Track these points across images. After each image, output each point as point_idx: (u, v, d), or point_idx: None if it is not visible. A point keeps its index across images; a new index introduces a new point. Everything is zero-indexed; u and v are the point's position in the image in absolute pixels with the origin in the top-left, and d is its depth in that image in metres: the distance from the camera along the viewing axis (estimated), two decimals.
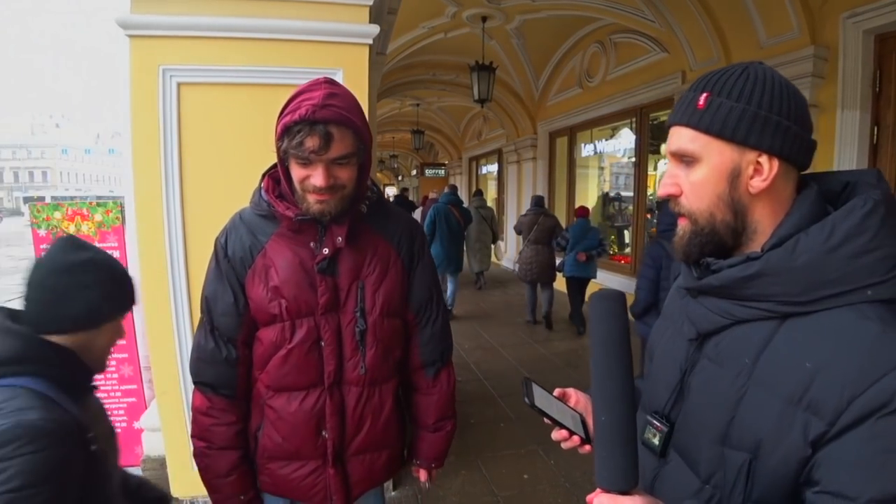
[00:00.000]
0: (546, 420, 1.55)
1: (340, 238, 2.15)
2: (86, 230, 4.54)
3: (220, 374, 2.24)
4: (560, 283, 10.51)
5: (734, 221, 1.30)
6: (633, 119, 11.26)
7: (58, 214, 4.51)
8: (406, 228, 2.39)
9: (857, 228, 1.15)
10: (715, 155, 1.28)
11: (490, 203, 20.78)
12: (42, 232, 4.51)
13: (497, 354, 9.07)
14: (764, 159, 1.25)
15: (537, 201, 11.14)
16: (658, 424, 1.45)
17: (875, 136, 6.28)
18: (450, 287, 11.84)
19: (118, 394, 4.83)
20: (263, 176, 2.26)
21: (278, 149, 2.01)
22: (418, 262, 2.41)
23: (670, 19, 8.35)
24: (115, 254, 4.56)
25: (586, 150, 14.13)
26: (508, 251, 18.32)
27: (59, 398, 1.68)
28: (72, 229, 4.51)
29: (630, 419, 1.14)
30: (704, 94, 1.29)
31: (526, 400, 1.49)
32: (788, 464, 1.13)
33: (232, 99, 3.82)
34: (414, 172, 35.23)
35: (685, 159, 1.33)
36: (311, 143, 1.91)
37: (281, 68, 3.83)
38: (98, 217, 4.53)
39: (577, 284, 10.12)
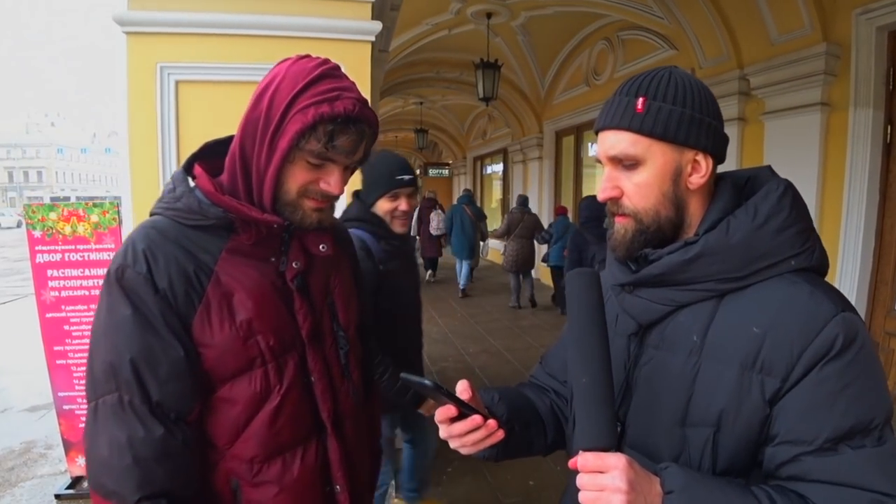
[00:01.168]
0: (449, 404, 1.40)
1: (325, 245, 1.84)
2: (82, 231, 4.53)
3: (178, 468, 1.57)
4: (546, 273, 11.96)
5: (675, 216, 1.42)
6: None
7: (53, 215, 4.49)
8: (349, 235, 2.25)
9: (776, 208, 1.33)
10: (658, 156, 1.38)
11: (494, 204, 20.93)
12: (37, 233, 4.51)
13: (502, 358, 9.04)
14: (700, 157, 1.40)
15: (523, 201, 12.91)
16: None
17: (889, 135, 6.26)
18: (465, 269, 14.42)
19: None
20: (188, 170, 1.75)
21: (287, 144, 1.57)
22: (360, 271, 2.24)
23: (679, 16, 8.36)
24: (112, 256, 4.57)
25: (593, 149, 13.91)
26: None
27: (371, 242, 3.13)
28: (67, 230, 4.51)
29: (609, 380, 1.21)
30: (642, 98, 1.39)
31: (428, 382, 1.35)
32: (751, 427, 1.26)
33: (231, 97, 3.78)
34: (417, 172, 35.19)
35: (626, 163, 1.40)
36: (346, 143, 1.62)
37: None
38: (94, 218, 4.52)
39: (562, 272, 11.67)
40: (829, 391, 1.19)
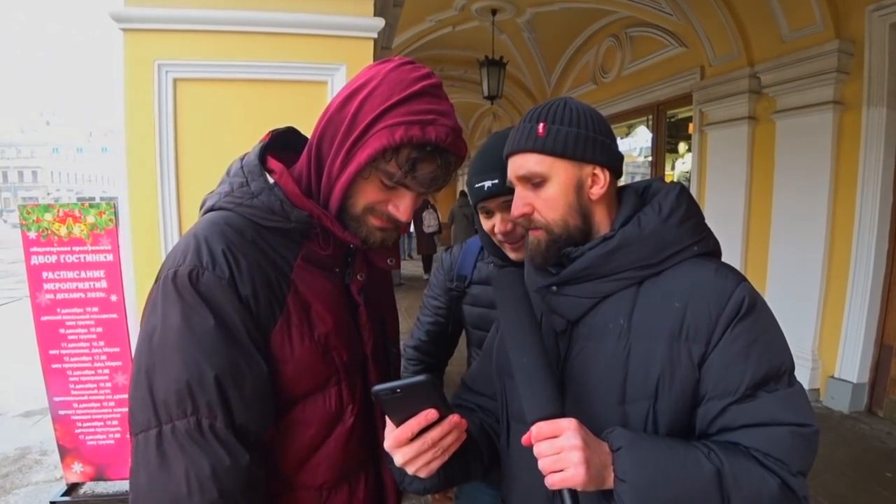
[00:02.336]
0: (429, 408, 1.35)
1: (392, 259, 1.76)
2: (77, 232, 4.53)
3: (260, 501, 1.44)
4: None
5: (583, 224, 1.61)
6: (650, 116, 11.20)
7: (48, 216, 4.50)
8: None
9: (676, 204, 1.57)
10: (561, 172, 1.58)
11: None
12: (32, 234, 4.51)
13: None
14: (598, 171, 1.60)
15: None
16: None
17: None
18: None
19: (112, 403, 4.83)
20: (262, 158, 1.59)
21: (365, 159, 1.45)
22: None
23: (688, 13, 8.36)
24: (108, 257, 4.60)
25: None
26: None
27: (465, 256, 2.67)
28: (63, 231, 4.51)
29: (546, 356, 1.42)
30: (542, 124, 1.59)
31: (424, 378, 1.30)
32: (685, 392, 1.44)
33: (230, 95, 3.85)
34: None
35: (534, 181, 1.61)
36: (428, 174, 1.51)
37: (282, 63, 3.85)
38: (90, 219, 4.53)
39: None
40: (743, 345, 1.41)
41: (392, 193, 1.54)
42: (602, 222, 1.64)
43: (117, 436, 4.89)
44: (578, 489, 1.28)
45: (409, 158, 1.46)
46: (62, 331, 4.67)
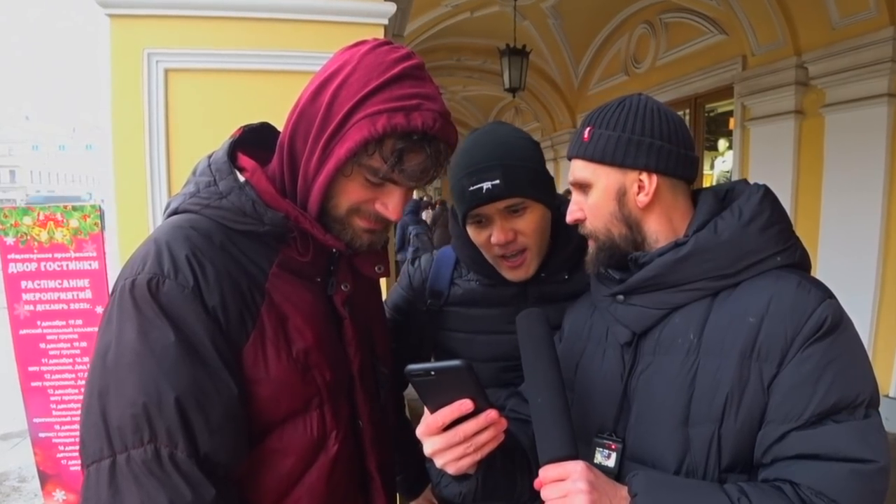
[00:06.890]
0: (464, 398, 1.36)
1: (381, 266, 1.71)
2: (60, 238, 4.51)
3: None
4: None
5: (630, 233, 1.67)
6: (687, 110, 11.10)
7: (27, 220, 4.47)
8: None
9: (759, 208, 1.57)
10: (603, 179, 1.66)
11: None
12: (9, 240, 4.48)
13: None
14: (644, 177, 1.63)
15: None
16: (610, 442, 1.65)
17: None
18: None
19: None
20: (232, 155, 1.59)
21: (345, 154, 1.41)
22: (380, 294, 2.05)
23: None
24: (93, 265, 4.59)
25: None
26: None
27: (438, 267, 2.44)
28: (43, 237, 4.50)
29: (564, 397, 1.44)
30: (588, 129, 1.68)
31: (460, 363, 1.31)
32: (752, 416, 1.44)
33: (227, 87, 3.85)
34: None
35: (583, 187, 1.70)
36: (417, 166, 1.46)
37: (283, 52, 3.84)
38: (74, 223, 4.50)
39: None
40: (814, 366, 1.39)
41: (379, 190, 1.51)
42: (660, 231, 1.67)
43: None
44: None
45: (395, 150, 1.41)
46: (43, 345, 4.64)
